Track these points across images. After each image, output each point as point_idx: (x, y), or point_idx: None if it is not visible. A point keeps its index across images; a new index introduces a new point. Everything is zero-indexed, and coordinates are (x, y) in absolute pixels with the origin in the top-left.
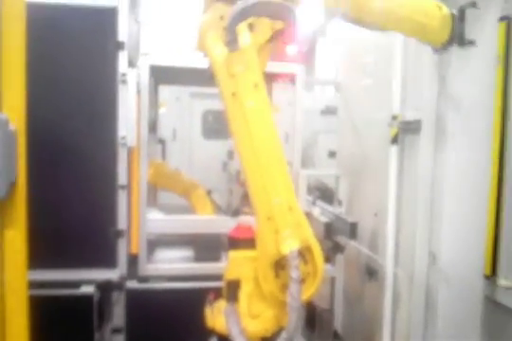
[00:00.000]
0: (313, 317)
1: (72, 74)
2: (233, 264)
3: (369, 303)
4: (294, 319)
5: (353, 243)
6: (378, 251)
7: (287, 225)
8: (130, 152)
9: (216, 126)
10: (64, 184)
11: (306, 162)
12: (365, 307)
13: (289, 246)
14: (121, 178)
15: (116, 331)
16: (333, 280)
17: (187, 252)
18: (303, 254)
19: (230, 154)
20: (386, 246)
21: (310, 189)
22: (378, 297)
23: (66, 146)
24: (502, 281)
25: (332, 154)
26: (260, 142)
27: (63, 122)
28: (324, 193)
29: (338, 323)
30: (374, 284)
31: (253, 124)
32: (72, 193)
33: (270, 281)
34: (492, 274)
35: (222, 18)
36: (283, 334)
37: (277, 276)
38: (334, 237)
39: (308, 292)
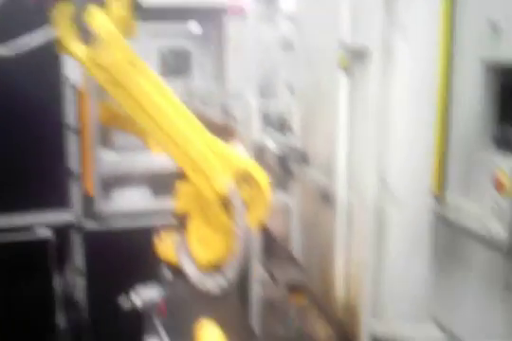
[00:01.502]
0: (270, 244)
1: None
2: (182, 197)
3: (324, 228)
4: (242, 249)
5: (308, 171)
6: (332, 177)
7: (214, 167)
8: (78, 92)
9: (174, 64)
10: (8, 123)
11: (267, 94)
12: (321, 232)
13: (224, 184)
14: (69, 117)
15: (77, 273)
16: (288, 208)
17: (145, 190)
18: (246, 179)
19: (190, 94)
20: (338, 172)
21: (269, 122)
22: (333, 222)
23: (10, 85)
24: (449, 199)
25: (291, 87)
26: (158, 110)
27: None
28: (282, 125)
29: (295, 249)
30: (329, 210)
31: (149, 100)
32: (17, 133)
33: (215, 210)
34: (440, 193)
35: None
36: (233, 262)
37: (225, 208)
38: (287, 166)
39: (260, 212)
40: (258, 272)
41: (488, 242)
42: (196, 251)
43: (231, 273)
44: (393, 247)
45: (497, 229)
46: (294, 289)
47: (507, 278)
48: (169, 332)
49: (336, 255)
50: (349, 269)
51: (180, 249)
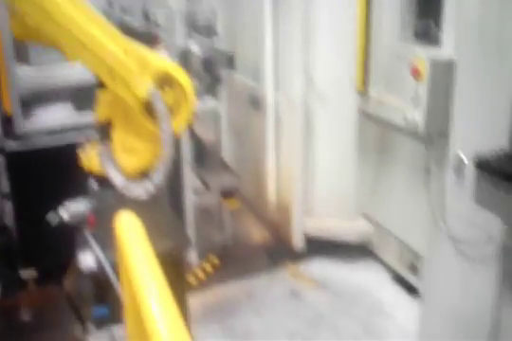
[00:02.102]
0: (201, 150)
1: None
2: (103, 105)
3: (254, 133)
4: (168, 153)
5: (235, 75)
6: (260, 80)
7: (132, 72)
8: None
9: None
10: None
11: None
12: (251, 137)
13: (144, 88)
14: None
15: (3, 197)
16: (217, 113)
17: (66, 106)
18: (168, 82)
19: (110, 4)
20: (266, 74)
21: (194, 26)
22: (263, 126)
23: None
24: (373, 94)
25: None
26: (69, 18)
27: None
28: (208, 29)
29: (226, 154)
30: (259, 113)
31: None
32: None
33: (142, 121)
34: (364, 88)
35: None
36: (159, 167)
37: (148, 114)
38: (213, 70)
39: (184, 115)
40: (190, 179)
41: (408, 132)
42: (122, 160)
43: (158, 178)
44: (321, 146)
45: (414, 117)
46: (227, 194)
47: (427, 162)
48: (100, 243)
49: (267, 157)
50: (280, 171)
51: (105, 159)
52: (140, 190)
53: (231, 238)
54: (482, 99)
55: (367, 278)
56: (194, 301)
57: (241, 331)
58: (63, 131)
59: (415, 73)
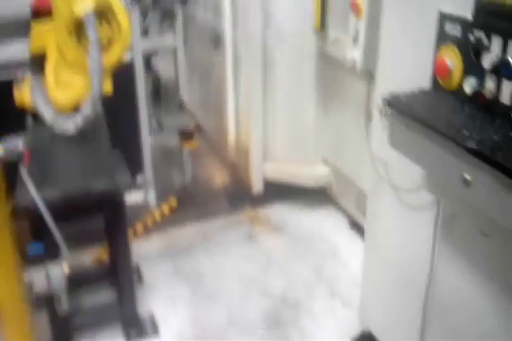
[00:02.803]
0: (158, 89)
1: None
2: (36, 37)
3: (214, 71)
4: (96, 83)
5: (197, 12)
6: (219, 18)
7: None
8: None
9: None
10: None
11: None
12: (210, 75)
13: (82, 7)
14: None
15: None
16: (175, 50)
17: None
18: (105, 14)
19: None
20: (225, 12)
21: None
22: (222, 65)
23: None
24: (329, 34)
25: None
26: None
27: None
28: None
29: (184, 93)
30: (218, 52)
31: None
32: None
33: (72, 48)
34: (321, 29)
35: None
36: (88, 100)
37: (79, 41)
38: (164, 5)
39: (118, 52)
40: (145, 118)
41: (352, 70)
42: (54, 93)
43: (86, 110)
44: (280, 88)
45: (354, 54)
46: (185, 136)
47: (367, 104)
48: (34, 179)
49: (226, 97)
50: (239, 112)
51: (36, 93)
52: (69, 125)
53: (191, 180)
54: (405, 35)
55: (325, 225)
56: (149, 243)
57: (192, 272)
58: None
59: (355, 9)
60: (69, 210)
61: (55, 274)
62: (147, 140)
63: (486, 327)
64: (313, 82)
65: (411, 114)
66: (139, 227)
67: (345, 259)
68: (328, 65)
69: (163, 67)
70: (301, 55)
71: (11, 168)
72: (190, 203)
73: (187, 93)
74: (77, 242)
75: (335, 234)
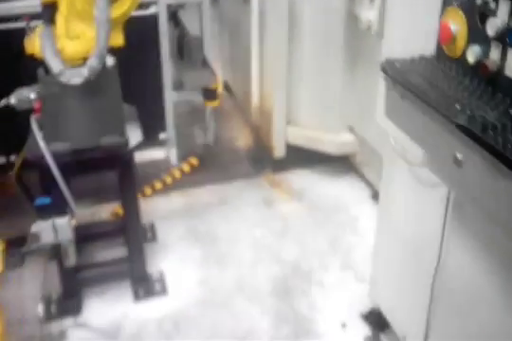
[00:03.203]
0: (181, 45)
1: None
2: None
3: (241, 28)
4: (103, 35)
5: None
6: None
7: None
8: None
9: None
10: None
11: None
12: (238, 32)
13: None
14: None
15: None
16: (200, 4)
17: None
18: None
19: None
20: None
21: None
22: (248, 22)
23: None
24: None
25: None
26: None
27: None
28: None
29: (209, 49)
30: (247, 7)
31: None
32: None
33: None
34: None
35: None
36: (94, 51)
37: None
38: None
39: (127, 4)
40: (169, 74)
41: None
42: (63, 44)
43: (93, 62)
44: (306, 47)
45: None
46: (208, 93)
47: None
48: (45, 131)
49: (251, 56)
50: (263, 72)
51: (45, 43)
52: (76, 77)
53: (214, 140)
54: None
55: (346, 194)
56: (167, 201)
57: (206, 234)
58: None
59: None
60: (80, 165)
61: (61, 226)
62: (170, 97)
63: (493, 309)
64: (341, 44)
65: (403, 82)
66: (158, 185)
67: (364, 231)
68: (356, 27)
69: (191, 23)
70: (330, 14)
71: (25, 120)
72: (211, 163)
73: (214, 50)
74: (96, 197)
75: (355, 205)
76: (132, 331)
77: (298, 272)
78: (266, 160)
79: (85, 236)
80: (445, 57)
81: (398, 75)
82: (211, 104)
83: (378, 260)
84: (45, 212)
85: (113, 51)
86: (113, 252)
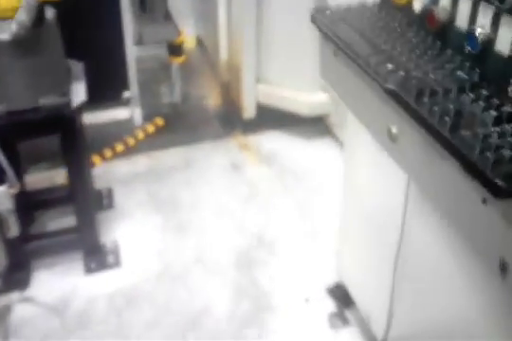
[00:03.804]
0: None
1: None
2: None
3: None
4: None
5: None
6: None
7: None
8: None
9: None
10: None
11: None
12: None
13: None
14: None
15: None
16: None
17: None
18: None
19: None
20: None
21: None
22: None
23: None
24: None
25: None
26: None
27: None
28: None
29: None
30: None
31: None
32: None
33: None
34: None
35: None
36: (22, 5)
37: None
38: None
39: None
40: (130, 28)
41: None
42: None
43: (20, 16)
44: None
45: None
46: (172, 49)
47: None
48: None
49: (217, 6)
50: (231, 25)
51: None
52: (4, 32)
53: (181, 99)
54: None
55: (318, 158)
56: (128, 165)
57: (168, 200)
58: None
59: None
60: (19, 128)
61: None
62: (132, 52)
63: (454, 289)
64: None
65: (332, 34)
66: (119, 147)
67: (335, 198)
68: None
69: None
70: None
71: None
72: (177, 123)
73: (186, 4)
74: (54, 160)
75: (328, 169)
76: (80, 307)
77: (262, 242)
78: (236, 121)
79: (36, 203)
80: (389, 5)
81: (328, 26)
82: (177, 60)
83: (344, 233)
84: None
85: (56, 2)
86: (67, 220)
